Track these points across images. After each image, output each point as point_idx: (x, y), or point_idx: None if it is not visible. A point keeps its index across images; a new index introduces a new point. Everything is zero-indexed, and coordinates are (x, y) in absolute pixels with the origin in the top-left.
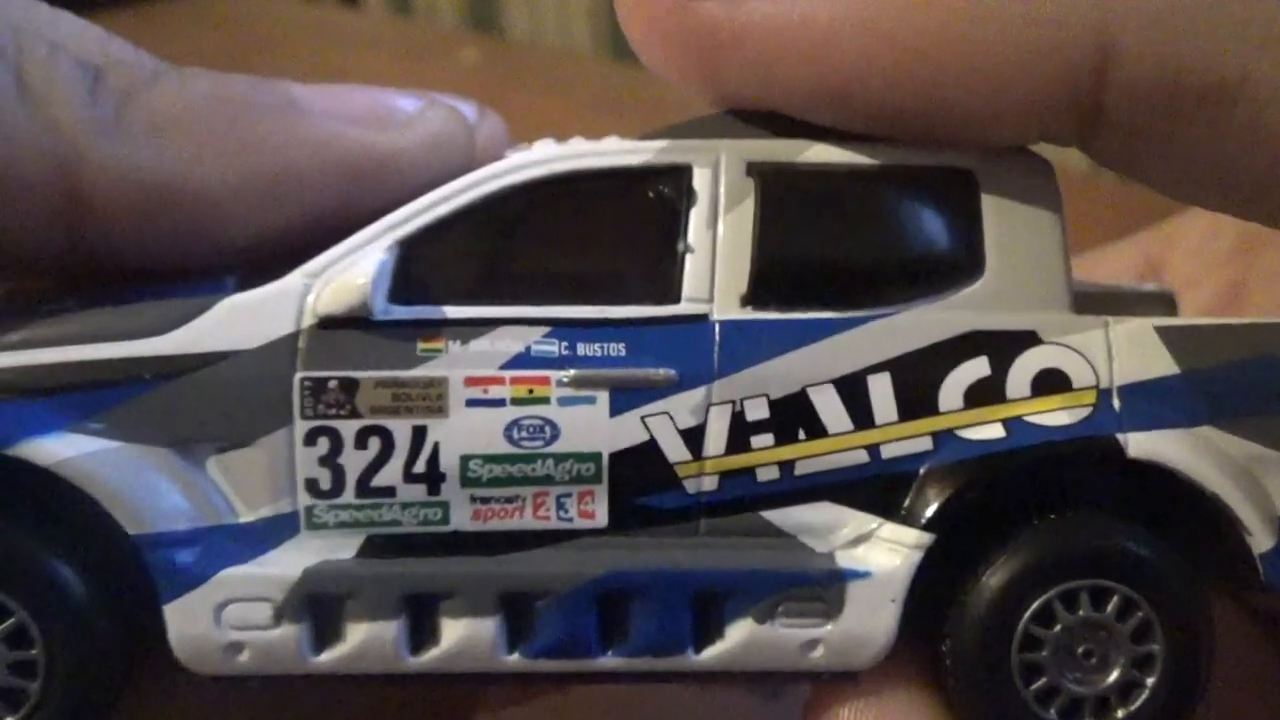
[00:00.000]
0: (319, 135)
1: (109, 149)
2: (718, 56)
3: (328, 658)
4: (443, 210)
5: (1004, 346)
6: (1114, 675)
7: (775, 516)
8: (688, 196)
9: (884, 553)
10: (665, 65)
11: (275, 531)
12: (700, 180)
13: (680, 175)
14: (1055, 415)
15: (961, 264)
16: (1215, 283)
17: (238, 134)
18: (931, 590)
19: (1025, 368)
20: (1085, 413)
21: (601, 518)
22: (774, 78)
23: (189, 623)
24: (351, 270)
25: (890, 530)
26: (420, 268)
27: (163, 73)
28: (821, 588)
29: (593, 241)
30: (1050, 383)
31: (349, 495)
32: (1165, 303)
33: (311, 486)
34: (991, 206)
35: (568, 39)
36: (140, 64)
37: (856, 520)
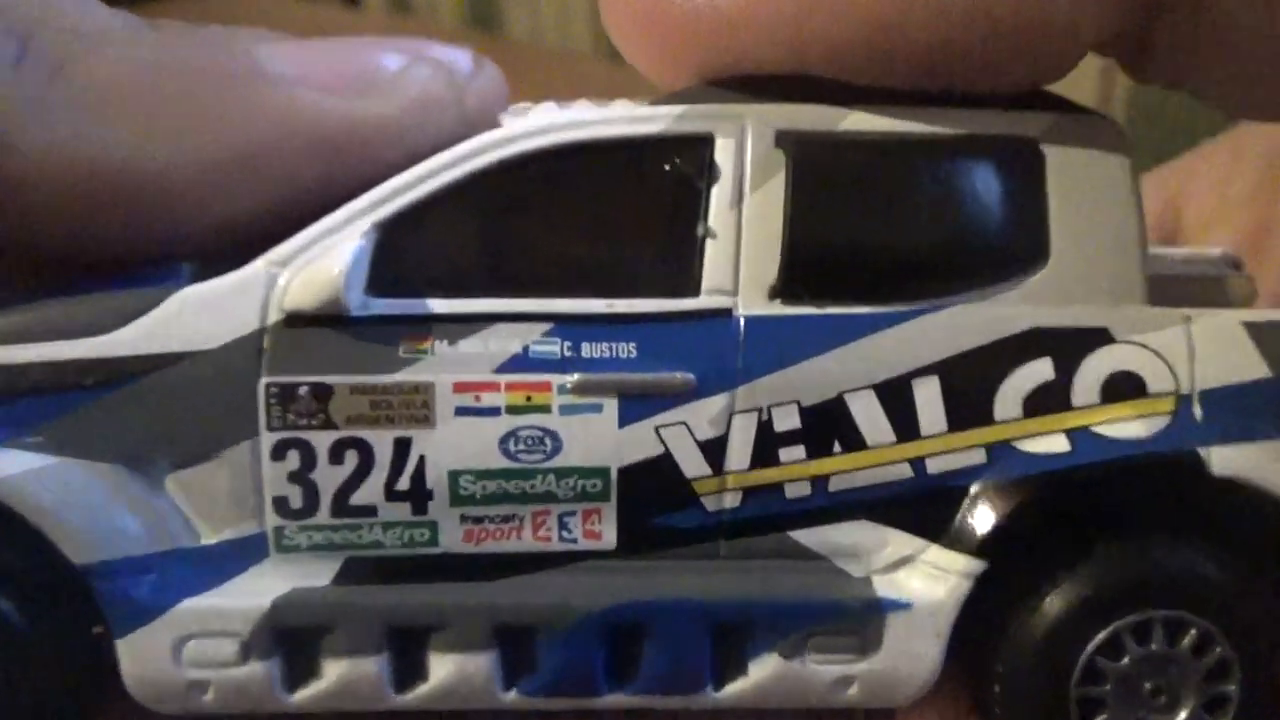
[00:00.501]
0: (287, 106)
1: (37, 131)
2: (727, 35)
3: (304, 696)
4: (428, 188)
5: (1070, 346)
6: (1182, 717)
7: (805, 537)
8: (709, 171)
9: (927, 580)
10: (664, 64)
11: (241, 555)
12: (723, 152)
13: (700, 146)
14: (1128, 426)
15: (1023, 250)
16: (1238, 223)
17: (191, 107)
18: (978, 608)
19: (1094, 371)
20: (1162, 423)
21: (609, 539)
22: (795, 43)
23: (145, 659)
24: (323, 259)
25: (935, 554)
26: (402, 255)
27: (105, 34)
28: (857, 621)
29: (599, 224)
30: (1123, 388)
31: (324, 515)
32: (1244, 284)
33: (281, 506)
34: (1058, 182)
35: (568, 39)
36: (83, 23)
37: (897, 541)
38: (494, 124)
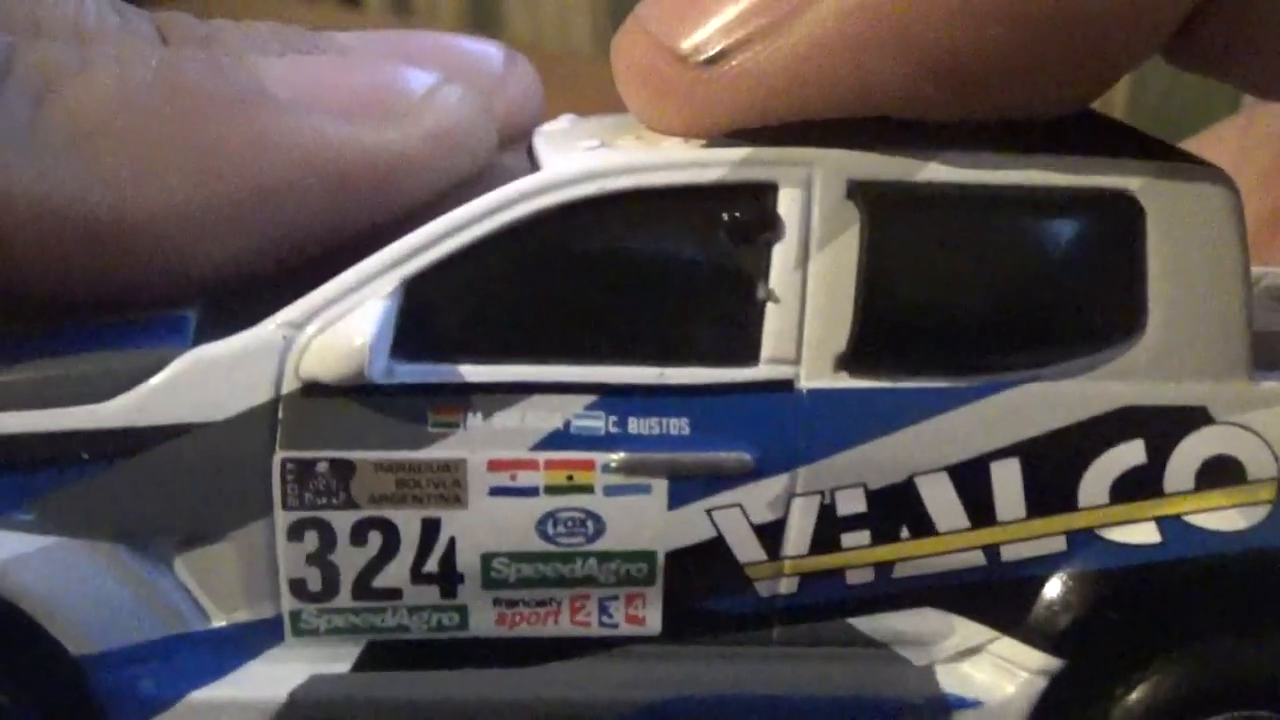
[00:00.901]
0: (297, 138)
1: (18, 172)
2: (778, 99)
3: None
4: (459, 241)
5: (1165, 427)
6: None
7: (865, 624)
8: (772, 225)
9: (997, 674)
10: (690, 131)
11: (254, 639)
12: (788, 204)
13: (762, 197)
14: (1224, 516)
15: (1118, 319)
16: (1253, 209)
17: (190, 140)
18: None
19: (1190, 454)
20: (1262, 513)
21: (653, 624)
22: (857, 95)
23: None
24: (344, 325)
25: (1007, 647)
26: (431, 315)
27: (100, 48)
28: (920, 718)
29: (648, 283)
30: (1220, 474)
31: (344, 598)
32: None
33: (297, 588)
34: (1159, 243)
35: (568, 39)
36: (80, 25)
37: (964, 630)
38: (526, 126)
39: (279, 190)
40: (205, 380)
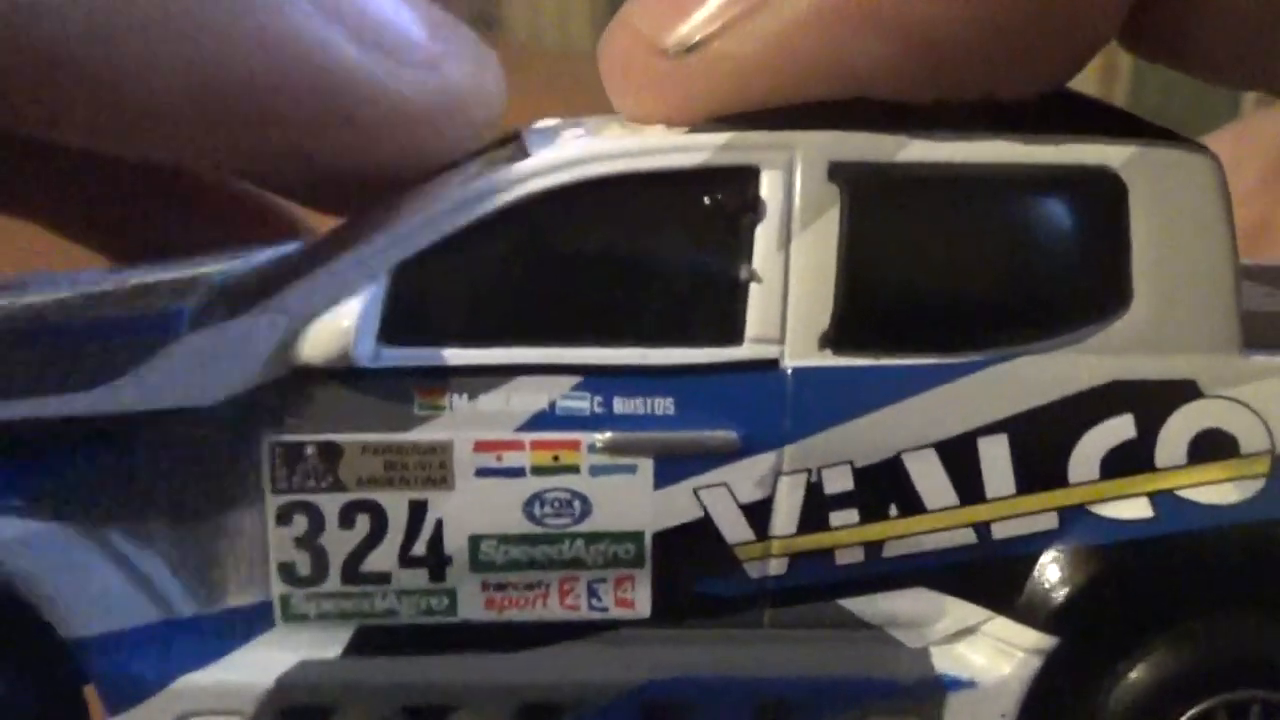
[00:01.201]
0: (303, 40)
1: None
2: (754, 81)
3: None
4: (445, 227)
5: (1154, 401)
6: None
7: (856, 605)
8: (754, 207)
9: (992, 654)
10: (673, 119)
11: (245, 625)
12: (770, 186)
13: (744, 180)
14: (1218, 490)
15: (1102, 294)
16: (1241, 219)
17: (194, 11)
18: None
19: (1181, 428)
20: (1257, 487)
21: (643, 607)
22: (837, 74)
23: None
24: (332, 309)
25: (1001, 627)
26: (419, 300)
27: None
28: (914, 700)
29: (633, 266)
30: (1213, 447)
31: (333, 582)
32: None
33: (286, 572)
34: (1143, 219)
35: (568, 39)
36: None
37: (958, 610)
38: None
39: (271, 86)
40: (196, 366)
